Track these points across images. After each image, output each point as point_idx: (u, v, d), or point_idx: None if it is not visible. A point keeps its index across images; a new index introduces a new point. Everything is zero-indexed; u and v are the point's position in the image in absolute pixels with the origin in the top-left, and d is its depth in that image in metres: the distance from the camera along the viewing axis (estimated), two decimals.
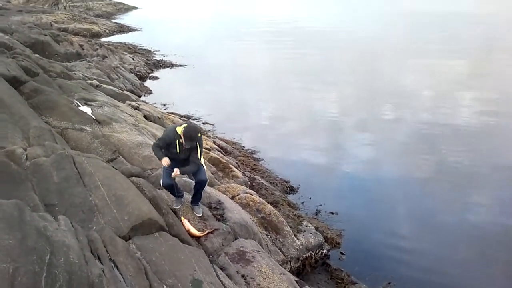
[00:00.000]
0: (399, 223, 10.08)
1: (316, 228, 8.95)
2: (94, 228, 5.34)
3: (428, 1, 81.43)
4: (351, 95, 21.68)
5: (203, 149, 11.12)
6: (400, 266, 8.46)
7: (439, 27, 44.79)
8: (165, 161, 6.51)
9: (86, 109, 10.93)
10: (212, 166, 10.59)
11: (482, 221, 10.02)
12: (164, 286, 4.79)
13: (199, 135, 6.49)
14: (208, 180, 7.43)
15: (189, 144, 6.34)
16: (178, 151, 6.51)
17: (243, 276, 6.07)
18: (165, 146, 6.57)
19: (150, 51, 33.95)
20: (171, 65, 28.76)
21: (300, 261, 7.93)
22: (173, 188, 6.83)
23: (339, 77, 25.35)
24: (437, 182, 11.93)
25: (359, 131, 16.33)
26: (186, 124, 6.51)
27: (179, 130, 6.41)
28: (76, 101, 11.37)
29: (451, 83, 22.98)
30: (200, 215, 7.05)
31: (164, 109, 18.24)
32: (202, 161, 6.83)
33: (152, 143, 8.91)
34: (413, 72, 26.37)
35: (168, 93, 21.37)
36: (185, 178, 8.07)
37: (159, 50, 33.86)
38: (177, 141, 6.47)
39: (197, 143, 6.49)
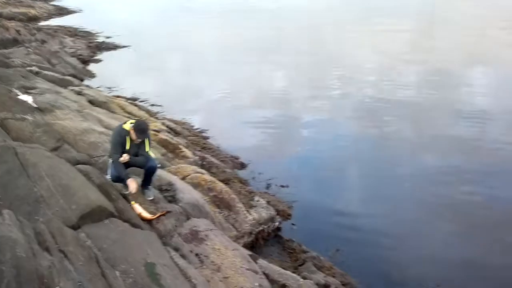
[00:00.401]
0: (347, 191, 10.47)
1: (268, 202, 9.16)
2: (41, 220, 5.27)
3: None
4: (299, 70, 21.89)
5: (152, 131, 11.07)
6: (349, 232, 8.83)
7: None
8: (132, 183, 6.54)
9: (27, 98, 10.59)
10: (161, 148, 10.55)
11: (427, 185, 10.48)
12: (117, 272, 4.83)
13: None
14: (159, 165, 7.50)
15: (142, 137, 6.52)
16: (128, 147, 6.54)
17: (197, 255, 6.18)
18: (120, 149, 6.54)
19: (92, 33, 32.77)
20: (114, 47, 27.95)
21: (253, 236, 8.12)
22: (121, 179, 6.79)
23: (287, 53, 25.46)
24: (383, 152, 12.36)
25: (308, 105, 16.62)
26: (131, 122, 6.57)
27: (127, 127, 6.53)
28: (16, 90, 10.98)
29: (395, 56, 23.53)
30: (151, 198, 7.07)
31: (109, 93, 17.81)
32: (151, 154, 6.91)
33: (98, 130, 8.79)
34: (361, 46, 26.78)
35: (112, 76, 20.86)
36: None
37: (102, 32, 32.74)
38: (127, 138, 6.53)
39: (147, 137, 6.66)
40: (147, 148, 6.71)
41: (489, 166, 11.00)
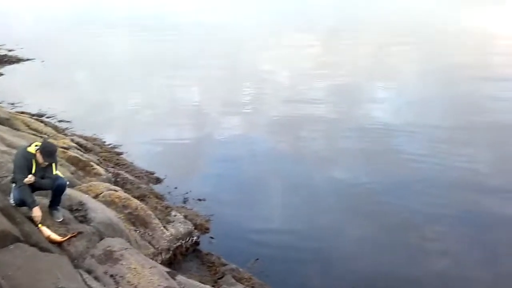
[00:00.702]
0: (263, 203, 10.62)
1: (185, 217, 9.07)
2: None
3: None
4: (212, 85, 21.90)
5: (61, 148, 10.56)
6: (267, 242, 8.99)
7: (299, 14, 46.93)
8: (37, 212, 6.13)
9: None
10: (71, 165, 10.08)
11: (339, 197, 10.85)
12: None
13: None
14: (68, 183, 7.15)
15: (49, 160, 6.16)
16: (34, 171, 6.15)
17: (112, 276, 5.96)
18: (26, 172, 6.13)
19: None
20: (17, 60, 26.48)
21: (171, 252, 7.99)
22: (25, 203, 6.35)
23: (200, 68, 25.42)
24: (296, 166, 12.63)
25: (222, 116, 16.74)
26: (36, 145, 6.20)
27: (32, 150, 6.14)
28: None
29: (304, 71, 24.24)
30: (60, 219, 6.70)
31: (13, 109, 16.77)
32: (59, 174, 6.57)
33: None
34: (271, 61, 27.36)
35: (16, 91, 19.72)
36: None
37: (3, 45, 30.86)
38: (33, 161, 6.13)
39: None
40: (54, 171, 6.35)
41: (397, 177, 11.58)
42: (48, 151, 6.13)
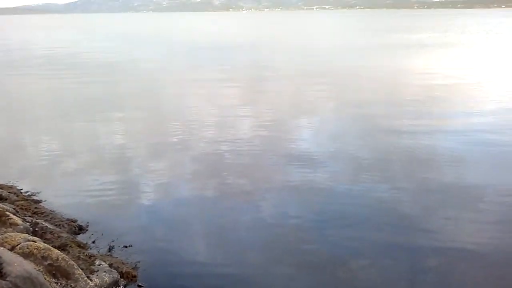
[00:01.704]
0: (191, 245, 10.41)
1: (110, 265, 8.71)
2: None
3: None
4: (136, 124, 21.66)
5: None
6: (198, 284, 8.80)
7: (214, 56, 47.89)
8: None
9: None
10: None
11: (268, 232, 10.97)
12: None
13: None
14: None
15: None
16: None
17: None
18: None
19: None
20: None
21: None
22: None
23: (123, 107, 25.16)
24: (224, 200, 12.72)
25: (146, 159, 16.43)
26: None
27: None
28: None
29: (230, 107, 24.83)
30: None
31: None
32: None
33: None
34: (195, 96, 27.71)
35: None
36: None
37: None
38: None
39: None
40: None
41: (321, 213, 11.95)
42: None
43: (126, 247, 10.13)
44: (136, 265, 9.36)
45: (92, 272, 8.18)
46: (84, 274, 7.89)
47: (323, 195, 13.00)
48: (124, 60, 43.77)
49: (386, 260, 9.62)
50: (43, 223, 10.52)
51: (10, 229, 9.23)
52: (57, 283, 7.48)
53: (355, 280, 8.95)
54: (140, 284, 8.78)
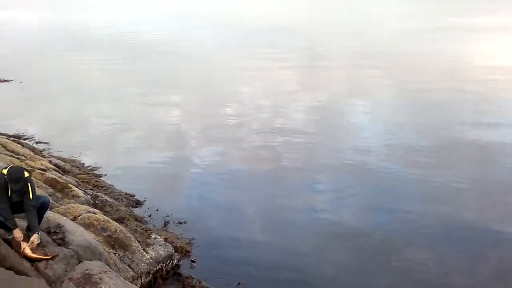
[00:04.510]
0: (246, 225, 10.52)
1: (165, 240, 8.93)
2: None
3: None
4: (191, 101, 21.99)
5: (39, 170, 10.39)
6: (249, 265, 8.86)
7: (270, 38, 47.60)
8: (17, 233, 6.09)
9: None
10: (49, 187, 9.88)
11: (323, 216, 10.87)
12: None
13: (27, 175, 6.17)
14: (50, 202, 7.08)
15: (16, 186, 6.02)
16: (9, 194, 6.06)
17: None
18: (3, 194, 6.02)
19: None
20: None
21: (151, 275, 7.84)
22: (2, 224, 6.20)
23: (179, 85, 25.55)
24: (278, 186, 12.60)
25: (202, 136, 16.68)
26: (10, 166, 6.14)
27: (6, 171, 6.02)
28: None
29: (284, 87, 24.62)
30: (38, 242, 6.55)
31: None
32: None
33: None
34: (249, 77, 27.65)
35: None
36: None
37: None
38: (8, 184, 6.02)
39: (28, 184, 6.14)
40: (30, 195, 6.20)
41: (377, 198, 11.71)
42: (13, 178, 5.99)
43: (180, 223, 10.35)
44: (190, 241, 9.56)
45: (148, 245, 8.41)
46: (140, 247, 8.13)
47: (379, 180, 12.70)
48: (176, 41, 44.33)
49: (443, 249, 9.31)
50: (103, 196, 10.92)
51: (73, 200, 9.65)
52: (115, 253, 7.75)
53: (409, 268, 8.71)
54: (193, 259, 8.97)
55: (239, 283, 8.18)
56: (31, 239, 6.14)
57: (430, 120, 18.23)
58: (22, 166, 7.72)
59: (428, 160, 14.02)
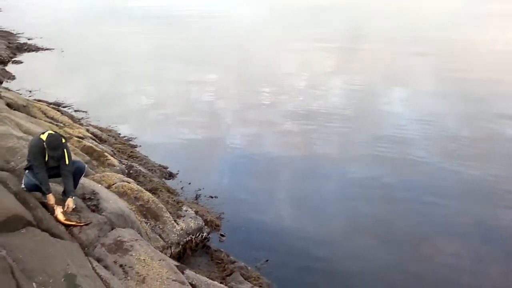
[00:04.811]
0: (276, 203, 10.54)
1: (196, 212, 9.03)
2: None
3: None
4: (229, 78, 22.00)
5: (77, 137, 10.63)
6: (277, 243, 8.88)
7: (310, 18, 46.86)
8: (50, 198, 6.26)
9: None
10: (85, 155, 10.12)
11: (354, 198, 10.74)
12: (34, 284, 4.52)
13: (63, 141, 6.27)
14: (86, 167, 7.27)
15: (54, 153, 6.13)
16: (46, 159, 6.20)
17: (121, 265, 5.94)
18: (41, 159, 6.17)
19: (12, 33, 31.18)
20: (37, 49, 26.76)
21: (180, 246, 7.97)
22: (38, 187, 6.38)
23: (216, 63, 25.54)
24: (312, 165, 12.53)
25: (237, 115, 16.69)
26: (50, 131, 6.24)
27: (44, 137, 6.13)
28: None
29: (323, 69, 24.25)
30: (73, 206, 6.73)
31: (30, 96, 16.94)
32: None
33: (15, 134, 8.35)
34: (288, 58, 27.36)
35: (34, 78, 19.91)
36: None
37: (23, 33, 31.24)
38: (45, 149, 6.16)
39: (64, 150, 6.26)
40: (67, 161, 6.35)
41: (411, 185, 11.40)
42: (52, 146, 6.10)
43: (211, 197, 10.45)
44: (220, 215, 9.65)
45: (179, 216, 8.54)
46: (171, 218, 8.26)
47: (414, 171, 12.23)
48: (217, 17, 44.17)
49: (475, 241, 9.03)
50: (137, 166, 11.11)
51: (108, 169, 9.86)
52: (147, 223, 7.91)
53: (440, 259, 8.50)
54: (222, 234, 9.06)
55: (266, 260, 8.23)
56: (66, 203, 6.30)
57: (472, 112, 17.31)
58: (61, 133, 7.89)
59: (466, 152, 13.36)
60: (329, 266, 8.31)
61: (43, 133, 6.29)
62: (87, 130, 12.82)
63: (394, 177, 11.93)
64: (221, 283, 6.87)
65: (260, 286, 7.42)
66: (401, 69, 25.09)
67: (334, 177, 11.91)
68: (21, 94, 16.33)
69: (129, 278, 5.76)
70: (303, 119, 16.27)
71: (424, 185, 11.46)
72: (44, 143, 6.10)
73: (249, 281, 7.40)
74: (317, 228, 9.53)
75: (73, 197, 6.47)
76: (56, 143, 6.14)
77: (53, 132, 6.28)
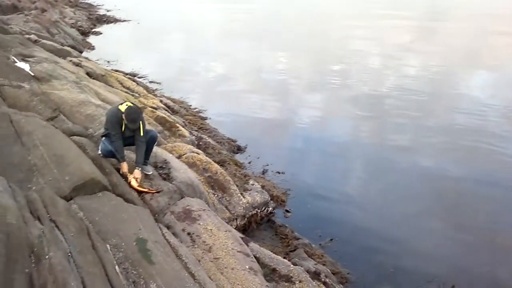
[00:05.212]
0: (344, 182, 10.35)
1: (262, 187, 9.08)
2: (34, 188, 5.18)
3: None
4: (300, 56, 21.77)
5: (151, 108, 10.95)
6: (343, 222, 8.73)
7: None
8: (124, 166, 6.58)
9: (24, 65, 10.39)
10: (158, 125, 10.44)
11: (423, 181, 10.36)
12: (108, 245, 4.75)
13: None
14: (158, 136, 7.52)
15: (132, 126, 6.38)
16: (123, 129, 6.46)
17: (189, 234, 6.11)
18: (118, 128, 6.44)
19: (93, 5, 32.54)
20: (115, 20, 27.74)
21: (246, 219, 8.07)
22: (114, 154, 6.66)
23: (288, 39, 25.32)
24: (381, 145, 12.20)
25: (308, 92, 16.52)
26: (127, 105, 6.42)
27: (123, 108, 6.36)
28: (13, 57, 10.78)
29: (397, 47, 23.37)
30: (150, 172, 7.01)
31: (108, 66, 17.65)
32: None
33: (95, 103, 8.70)
34: (362, 37, 26.57)
35: (112, 49, 20.70)
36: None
37: (103, 5, 32.47)
38: (123, 120, 6.41)
39: (140, 122, 6.49)
40: (141, 132, 6.58)
41: (488, 174, 10.71)
42: (131, 118, 6.31)
43: (278, 173, 10.45)
44: (286, 191, 9.64)
45: (245, 190, 8.63)
46: (238, 191, 8.36)
47: (490, 160, 11.44)
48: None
49: None
50: (207, 138, 11.31)
51: (179, 139, 10.11)
52: (214, 194, 8.06)
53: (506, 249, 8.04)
54: (287, 209, 9.06)
55: (331, 239, 8.13)
56: (133, 173, 6.53)
57: None
58: (136, 103, 8.18)
59: None
60: (396, 248, 8.06)
61: (122, 103, 6.52)
62: (161, 101, 13.18)
63: (469, 170, 11.06)
64: (284, 258, 6.88)
65: (324, 264, 7.36)
66: (484, 50, 23.58)
67: (404, 163, 11.33)
68: (99, 64, 17.04)
69: (196, 246, 5.91)
70: (374, 101, 15.74)
71: (498, 176, 10.68)
72: (123, 114, 6.33)
73: (312, 258, 7.36)
74: (384, 210, 9.25)
75: (139, 169, 6.68)
76: (134, 116, 6.36)
77: (131, 105, 6.49)
